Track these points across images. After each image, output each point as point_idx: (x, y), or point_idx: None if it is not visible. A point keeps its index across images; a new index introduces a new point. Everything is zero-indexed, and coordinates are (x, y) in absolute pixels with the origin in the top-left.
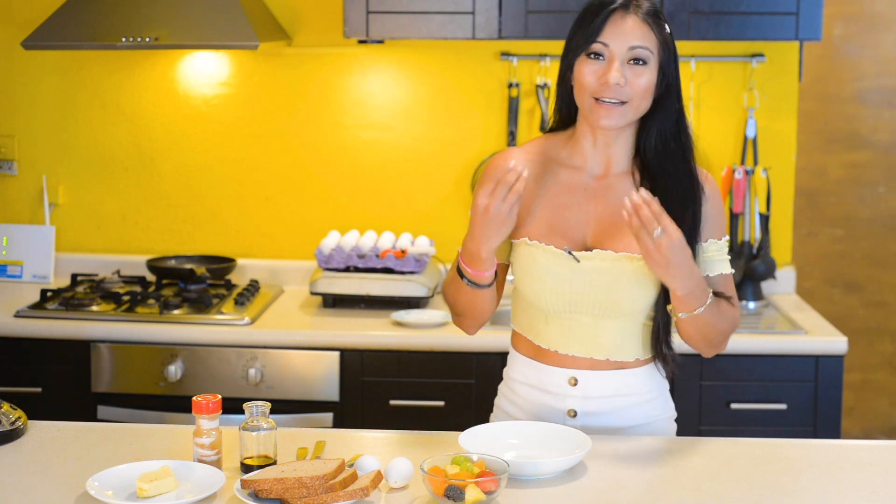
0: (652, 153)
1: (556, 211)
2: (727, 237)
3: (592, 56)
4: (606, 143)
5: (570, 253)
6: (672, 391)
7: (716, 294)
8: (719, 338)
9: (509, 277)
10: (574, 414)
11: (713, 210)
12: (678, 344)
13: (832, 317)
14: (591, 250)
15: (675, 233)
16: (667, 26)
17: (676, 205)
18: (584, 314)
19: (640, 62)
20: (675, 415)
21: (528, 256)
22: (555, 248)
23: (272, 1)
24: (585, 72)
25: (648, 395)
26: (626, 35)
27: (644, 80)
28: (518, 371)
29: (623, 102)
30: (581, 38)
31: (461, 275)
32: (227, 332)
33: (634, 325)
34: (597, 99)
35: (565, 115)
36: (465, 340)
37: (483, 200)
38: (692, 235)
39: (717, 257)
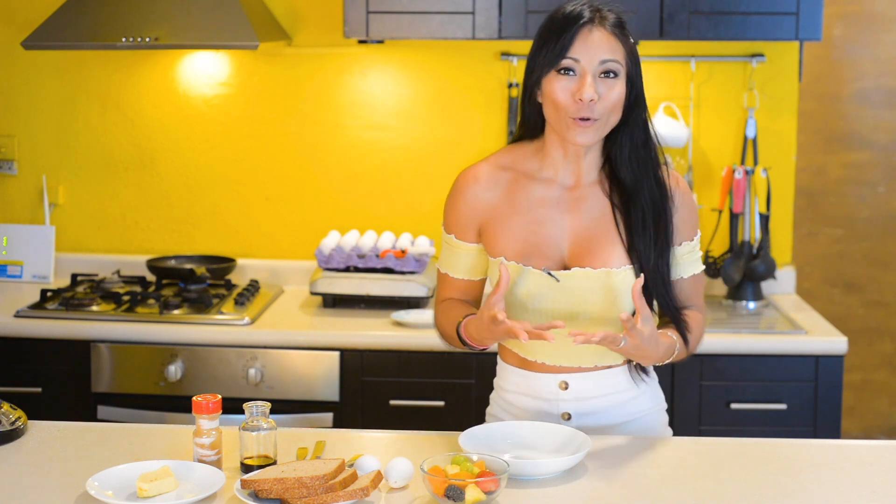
0: (625, 164)
1: (530, 227)
2: (699, 234)
3: (563, 72)
4: (577, 154)
5: (549, 274)
6: (672, 391)
7: (677, 307)
8: (689, 354)
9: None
10: (568, 416)
11: (686, 212)
12: None
13: (832, 317)
14: (569, 268)
15: (642, 329)
16: (630, 37)
17: (648, 213)
18: (567, 327)
19: (612, 75)
20: (665, 405)
21: None
22: (533, 269)
23: (272, 1)
24: (558, 89)
25: (637, 390)
26: (596, 49)
27: (616, 93)
28: (508, 381)
29: (596, 119)
30: (549, 54)
31: (461, 340)
32: (227, 332)
33: (618, 330)
34: (574, 118)
35: (532, 128)
36: None
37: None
38: (665, 242)
39: (689, 258)
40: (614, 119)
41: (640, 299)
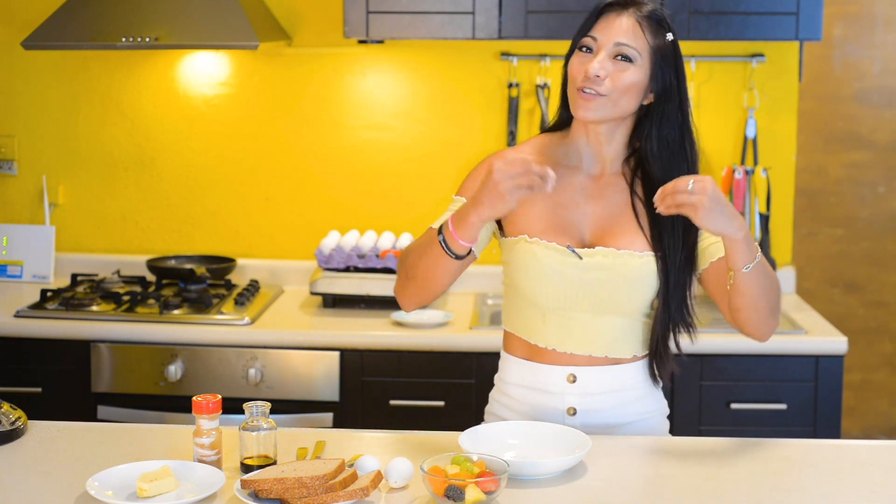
0: (655, 159)
1: (554, 209)
2: None
3: (583, 49)
4: (598, 141)
5: (572, 250)
6: (672, 391)
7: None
8: (777, 301)
9: (501, 281)
10: (574, 412)
11: None
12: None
13: (832, 317)
14: (592, 248)
15: (706, 177)
16: (669, 35)
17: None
18: (584, 311)
19: (625, 59)
20: (667, 411)
21: (529, 253)
22: (557, 245)
23: (272, 1)
24: (574, 63)
25: (644, 389)
26: (615, 30)
27: (627, 77)
28: (512, 373)
29: (602, 95)
30: (577, 36)
31: (441, 239)
32: (227, 332)
33: (633, 322)
34: (579, 90)
35: (564, 115)
36: (465, 340)
37: (497, 163)
38: (693, 238)
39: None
40: (625, 103)
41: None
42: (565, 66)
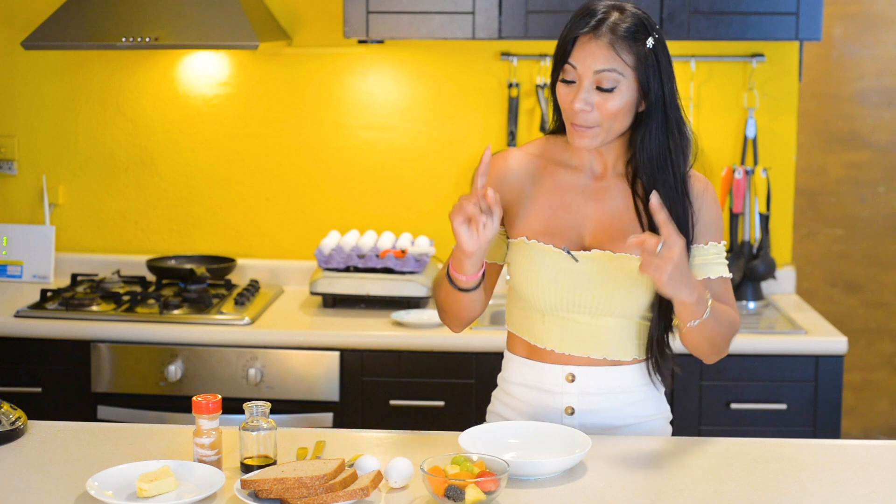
0: (645, 162)
1: (553, 210)
2: (724, 242)
3: (566, 80)
4: (598, 150)
5: (568, 252)
6: (672, 391)
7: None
8: (724, 343)
9: (507, 277)
10: (572, 411)
11: (713, 215)
12: (677, 348)
13: (832, 317)
14: (589, 250)
15: (677, 243)
16: (650, 40)
17: (671, 212)
18: (582, 313)
19: (607, 86)
20: (670, 417)
21: (526, 255)
22: (553, 248)
23: (272, 1)
24: (561, 94)
25: (644, 392)
26: (591, 59)
27: (613, 104)
28: (514, 372)
29: (594, 126)
30: (557, 57)
31: (449, 277)
32: (227, 332)
33: (631, 324)
34: (572, 123)
35: (560, 122)
36: (465, 340)
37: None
38: (687, 242)
39: (716, 260)
40: (618, 126)
41: (661, 211)
42: (553, 79)
